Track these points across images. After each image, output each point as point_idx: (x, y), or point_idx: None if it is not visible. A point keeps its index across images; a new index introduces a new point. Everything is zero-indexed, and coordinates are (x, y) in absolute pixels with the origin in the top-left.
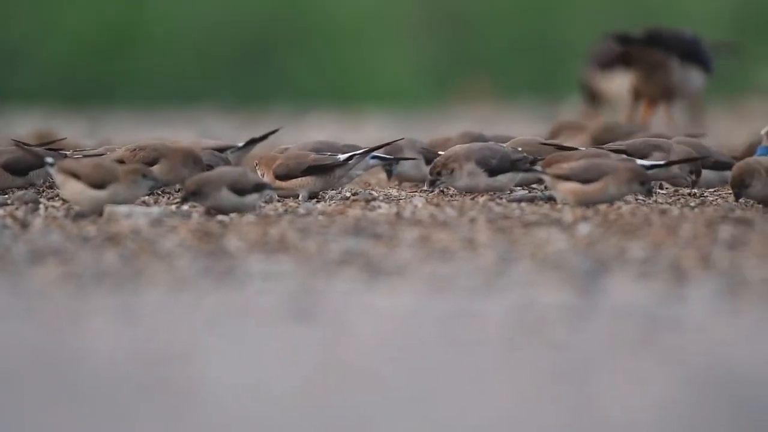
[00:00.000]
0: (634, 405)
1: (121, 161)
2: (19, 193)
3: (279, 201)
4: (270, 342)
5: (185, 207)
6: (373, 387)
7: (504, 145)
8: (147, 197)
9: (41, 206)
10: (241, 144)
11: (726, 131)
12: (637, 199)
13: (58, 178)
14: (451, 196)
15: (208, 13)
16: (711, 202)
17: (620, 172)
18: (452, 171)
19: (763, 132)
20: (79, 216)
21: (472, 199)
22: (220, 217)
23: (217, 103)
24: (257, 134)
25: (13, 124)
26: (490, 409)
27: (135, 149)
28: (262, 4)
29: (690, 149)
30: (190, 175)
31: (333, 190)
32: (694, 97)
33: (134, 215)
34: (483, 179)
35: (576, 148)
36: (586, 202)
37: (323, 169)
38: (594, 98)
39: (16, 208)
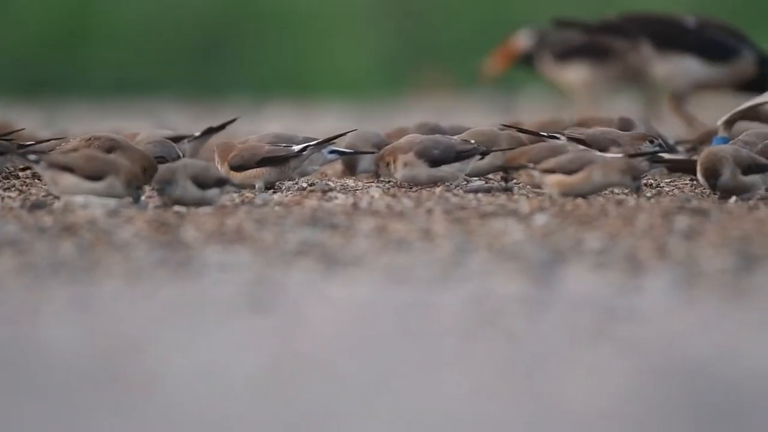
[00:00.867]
0: (590, 395)
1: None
2: None
3: (235, 192)
4: (227, 332)
5: (143, 197)
6: (329, 377)
7: (455, 137)
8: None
9: None
10: (197, 134)
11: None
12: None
13: (48, 173)
14: (408, 188)
15: (164, 3)
16: (667, 193)
17: (609, 164)
18: (393, 161)
19: (719, 123)
20: (35, 206)
21: (429, 190)
22: (176, 208)
23: (174, 94)
24: (214, 124)
25: None
26: (447, 400)
27: (90, 139)
28: None
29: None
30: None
31: (289, 181)
32: (650, 86)
33: (90, 206)
34: (424, 170)
35: (537, 133)
36: (572, 194)
37: (278, 161)
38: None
39: None
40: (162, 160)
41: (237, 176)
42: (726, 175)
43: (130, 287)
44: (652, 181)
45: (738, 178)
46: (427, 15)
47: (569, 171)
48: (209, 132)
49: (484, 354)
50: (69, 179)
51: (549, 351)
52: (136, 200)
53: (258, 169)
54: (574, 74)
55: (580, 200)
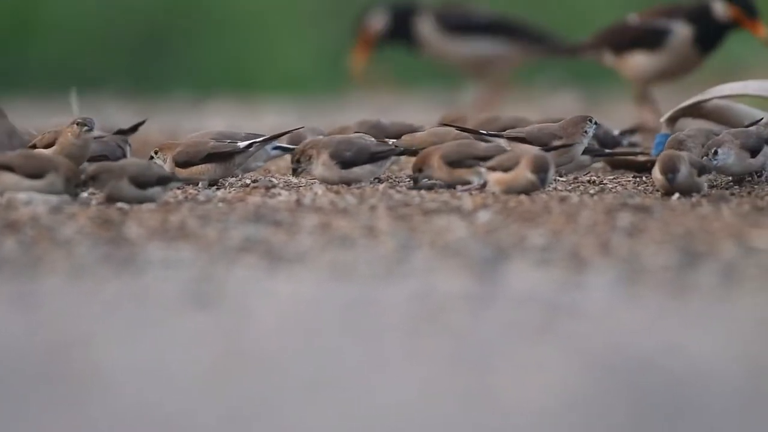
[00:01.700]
0: (534, 391)
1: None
2: None
3: (178, 188)
4: (171, 329)
5: (84, 194)
6: (274, 374)
7: (367, 137)
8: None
9: None
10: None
11: (623, 117)
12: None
13: None
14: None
15: None
16: (610, 190)
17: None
18: (309, 158)
19: (662, 120)
20: None
21: (373, 186)
22: (119, 204)
23: (116, 90)
24: (150, 122)
25: None
26: (391, 397)
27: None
28: None
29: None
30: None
31: (233, 177)
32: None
33: (33, 202)
34: (336, 171)
35: (478, 131)
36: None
37: (223, 156)
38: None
39: None
40: (104, 158)
41: (182, 172)
42: (683, 172)
43: (73, 284)
44: (595, 178)
45: (696, 180)
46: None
47: (506, 169)
48: (120, 134)
49: (428, 350)
50: (9, 178)
51: (493, 347)
52: (75, 197)
53: (203, 165)
54: (477, 49)
55: (523, 197)
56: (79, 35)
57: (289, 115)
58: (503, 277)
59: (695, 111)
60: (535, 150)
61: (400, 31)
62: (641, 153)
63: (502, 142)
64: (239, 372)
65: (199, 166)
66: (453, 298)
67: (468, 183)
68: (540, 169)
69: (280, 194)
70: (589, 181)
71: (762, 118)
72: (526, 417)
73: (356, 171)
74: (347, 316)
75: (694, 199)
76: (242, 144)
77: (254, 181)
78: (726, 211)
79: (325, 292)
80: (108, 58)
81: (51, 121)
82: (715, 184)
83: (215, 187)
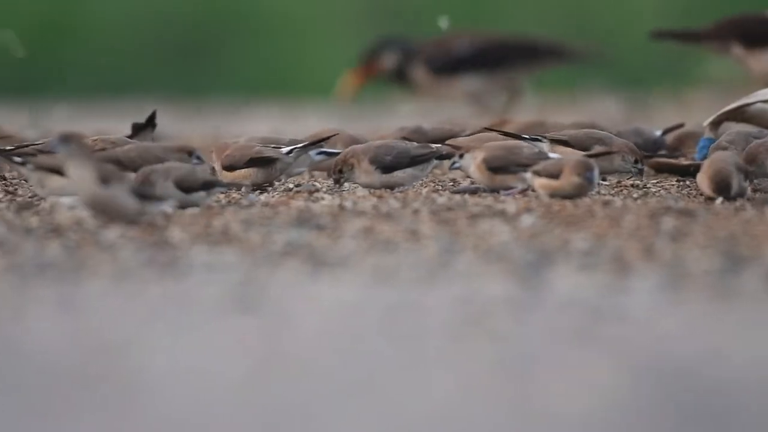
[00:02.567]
0: (577, 396)
1: None
2: None
3: (222, 192)
4: (213, 333)
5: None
6: (316, 378)
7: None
8: None
9: None
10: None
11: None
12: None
13: (35, 175)
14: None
15: (150, 2)
16: (654, 194)
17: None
18: (351, 167)
19: (705, 124)
20: (22, 207)
21: (416, 190)
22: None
23: (158, 95)
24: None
25: None
26: (433, 402)
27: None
28: None
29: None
30: None
31: (276, 182)
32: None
33: (78, 207)
34: (377, 177)
35: (519, 135)
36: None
37: (265, 162)
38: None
39: None
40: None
41: (227, 176)
42: (735, 187)
43: (117, 288)
44: (639, 182)
45: (742, 185)
46: (413, 16)
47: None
48: (139, 130)
49: (470, 355)
50: (56, 181)
51: (535, 352)
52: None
53: (246, 169)
54: (466, 86)
55: (566, 201)
56: (122, 41)
57: (331, 120)
58: (546, 281)
59: (738, 115)
60: (577, 154)
61: (401, 74)
62: (683, 156)
63: (545, 145)
64: (281, 376)
65: (242, 170)
66: (496, 302)
67: (510, 188)
68: (585, 168)
69: (323, 198)
70: (632, 185)
71: None
72: (569, 422)
73: (398, 175)
74: (390, 320)
75: (737, 203)
76: (284, 149)
77: (297, 186)
78: None
79: (368, 297)
80: (150, 62)
81: (93, 126)
82: (759, 187)
83: (258, 191)
